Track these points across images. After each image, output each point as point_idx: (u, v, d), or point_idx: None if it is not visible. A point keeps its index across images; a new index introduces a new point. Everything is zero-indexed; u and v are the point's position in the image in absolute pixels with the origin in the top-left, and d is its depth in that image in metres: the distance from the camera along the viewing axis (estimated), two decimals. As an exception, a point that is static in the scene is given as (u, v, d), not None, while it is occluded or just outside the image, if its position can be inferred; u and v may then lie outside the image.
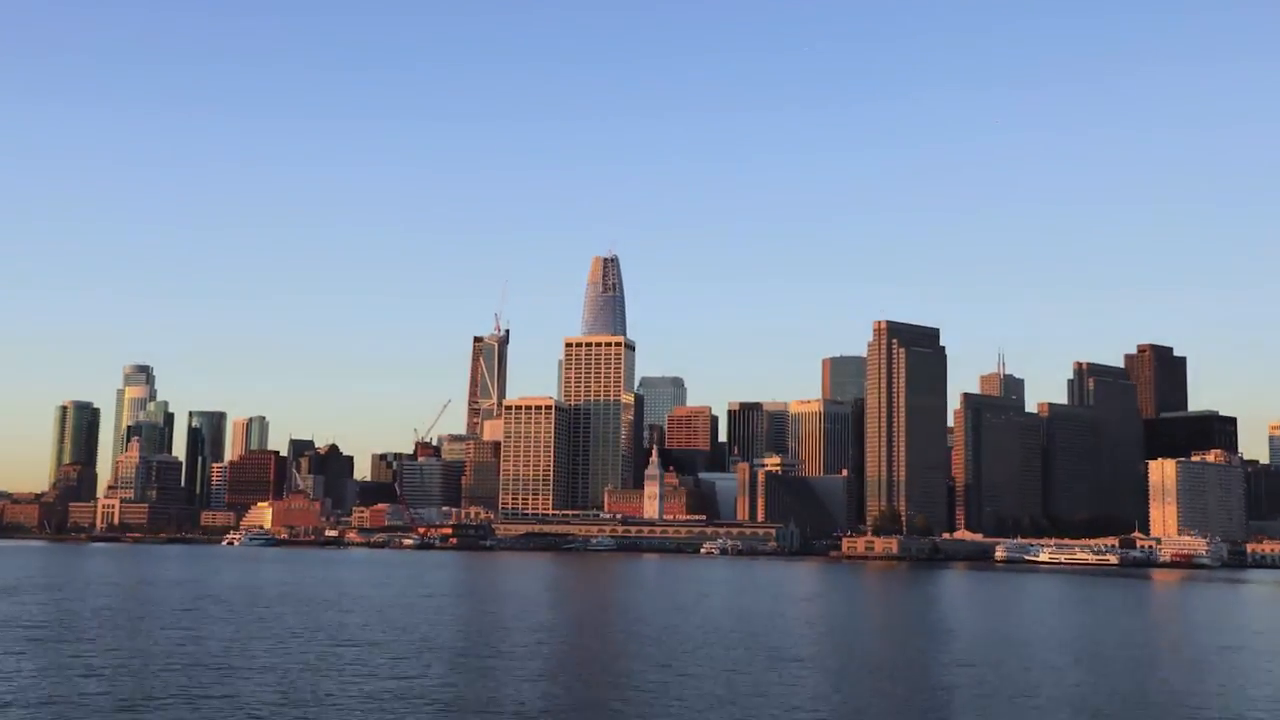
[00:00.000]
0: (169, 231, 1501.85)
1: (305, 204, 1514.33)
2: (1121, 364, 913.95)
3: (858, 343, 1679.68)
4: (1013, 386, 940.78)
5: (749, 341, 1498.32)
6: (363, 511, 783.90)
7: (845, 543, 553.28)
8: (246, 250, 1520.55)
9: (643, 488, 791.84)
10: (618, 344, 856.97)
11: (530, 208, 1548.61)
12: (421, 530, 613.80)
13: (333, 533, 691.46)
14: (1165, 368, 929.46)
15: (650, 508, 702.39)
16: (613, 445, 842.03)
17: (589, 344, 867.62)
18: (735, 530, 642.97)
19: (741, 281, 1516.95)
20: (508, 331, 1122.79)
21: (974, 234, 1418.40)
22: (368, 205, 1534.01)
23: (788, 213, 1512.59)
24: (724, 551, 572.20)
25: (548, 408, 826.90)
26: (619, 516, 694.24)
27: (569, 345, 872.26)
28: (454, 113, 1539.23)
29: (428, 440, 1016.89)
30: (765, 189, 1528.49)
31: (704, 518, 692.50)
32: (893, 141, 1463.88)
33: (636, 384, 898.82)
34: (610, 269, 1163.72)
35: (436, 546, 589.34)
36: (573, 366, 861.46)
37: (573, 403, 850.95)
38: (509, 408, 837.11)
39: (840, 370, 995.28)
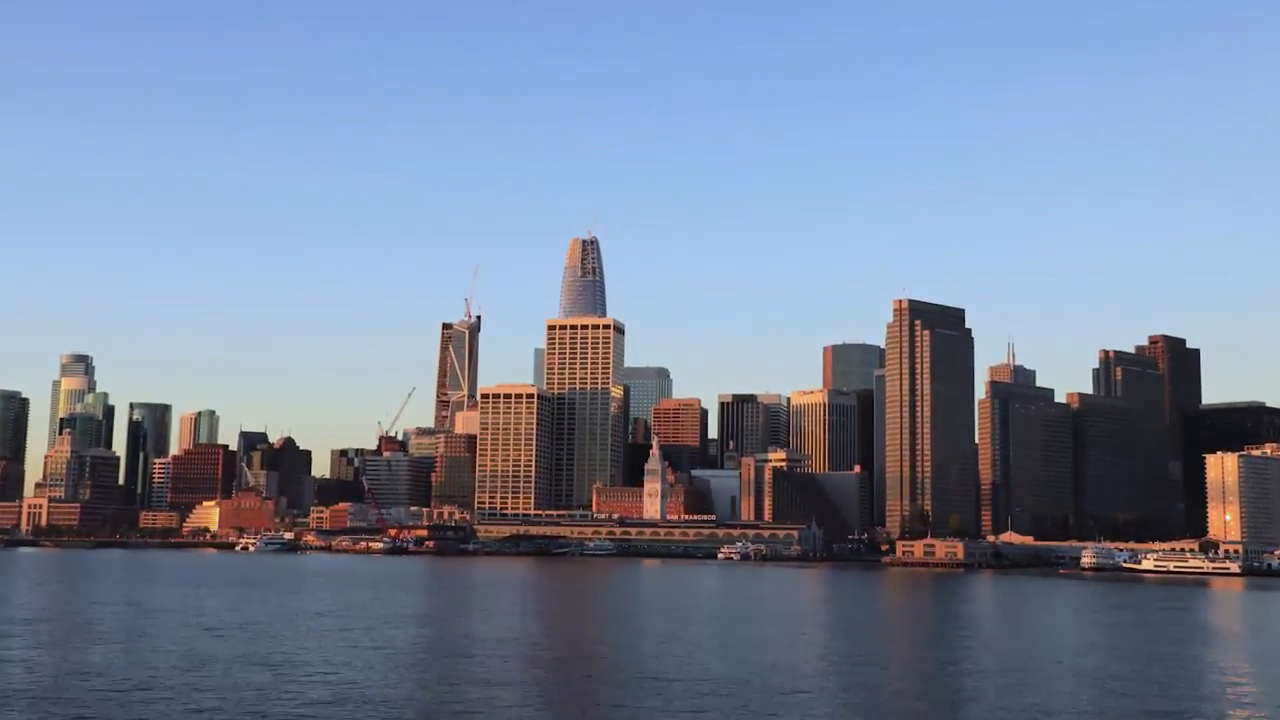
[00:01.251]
0: (113, 217, 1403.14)
1: (258, 185, 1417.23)
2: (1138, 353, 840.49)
3: (861, 329, 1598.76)
4: (1023, 376, 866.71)
5: (740, 329, 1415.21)
6: (322, 511, 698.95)
7: (900, 546, 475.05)
8: (196, 235, 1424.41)
9: (637, 485, 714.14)
10: (605, 326, 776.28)
11: (503, 186, 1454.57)
12: (393, 532, 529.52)
13: (288, 535, 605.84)
14: (1179, 360, 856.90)
15: (651, 507, 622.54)
16: (601, 438, 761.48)
17: (573, 326, 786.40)
18: (752, 532, 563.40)
19: (731, 264, 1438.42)
20: (479, 318, 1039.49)
21: (979, 219, 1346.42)
22: (326, 186, 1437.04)
23: (779, 192, 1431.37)
24: (746, 557, 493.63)
25: (529, 396, 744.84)
26: (615, 517, 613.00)
27: (551, 328, 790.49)
28: (417, 90, 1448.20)
29: (392, 434, 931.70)
30: (758, 165, 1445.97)
31: (712, 518, 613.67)
32: (891, 125, 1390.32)
33: (641, 362, 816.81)
34: (589, 252, 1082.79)
35: (410, 551, 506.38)
36: (555, 351, 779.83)
37: (556, 391, 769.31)
38: (485, 396, 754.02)
39: (844, 358, 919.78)
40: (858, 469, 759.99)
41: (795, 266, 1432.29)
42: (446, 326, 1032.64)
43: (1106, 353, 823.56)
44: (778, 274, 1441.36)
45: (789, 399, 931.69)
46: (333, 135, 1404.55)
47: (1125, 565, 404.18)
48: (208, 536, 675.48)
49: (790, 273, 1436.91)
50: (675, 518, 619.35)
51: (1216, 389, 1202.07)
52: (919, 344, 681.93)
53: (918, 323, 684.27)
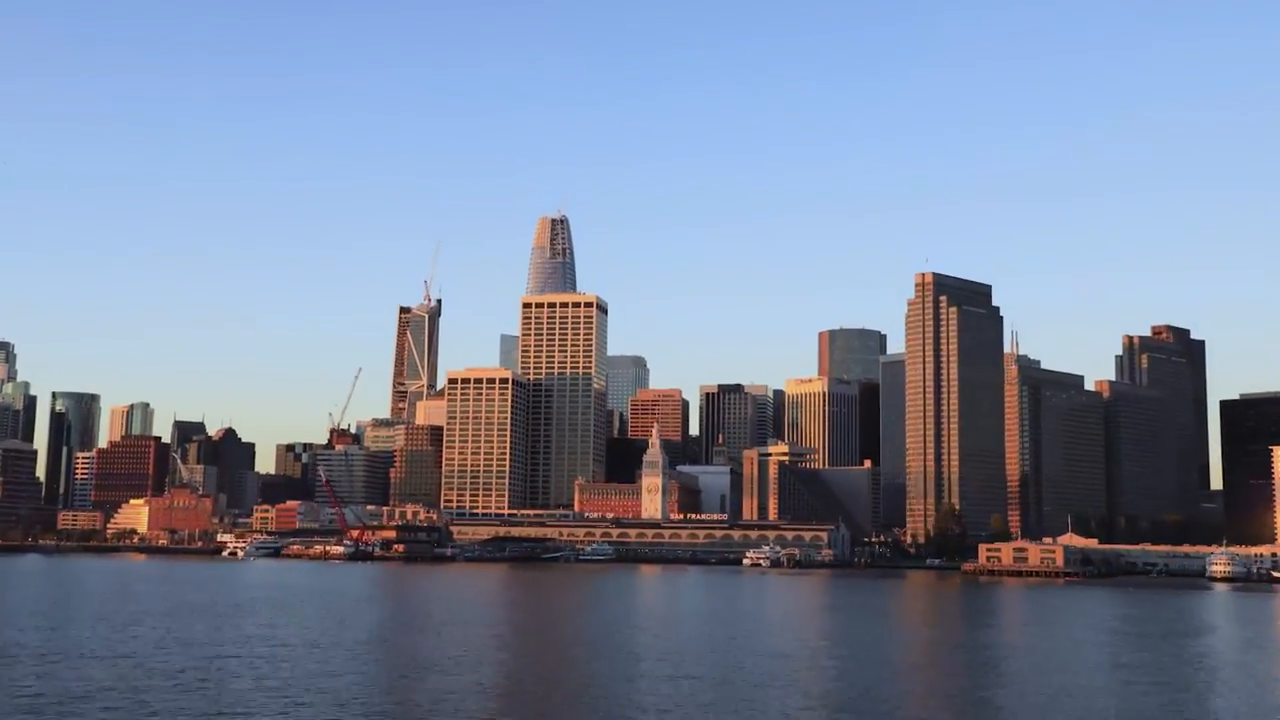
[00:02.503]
0: (37, 194, 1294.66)
1: (198, 155, 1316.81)
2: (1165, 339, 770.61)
3: (858, 314, 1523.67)
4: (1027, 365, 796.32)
5: (723, 315, 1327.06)
6: (266, 510, 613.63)
7: (983, 550, 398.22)
8: (128, 210, 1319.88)
9: (623, 481, 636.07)
10: (586, 305, 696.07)
11: (466, 159, 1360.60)
12: (355, 534, 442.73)
13: (226, 537, 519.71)
14: (1184, 351, 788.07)
15: (650, 506, 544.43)
16: (582, 430, 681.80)
17: (550, 305, 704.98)
18: (772, 533, 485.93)
19: (712, 245, 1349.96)
20: (439, 302, 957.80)
21: (987, 196, 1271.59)
22: (273, 158, 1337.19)
23: (763, 167, 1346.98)
24: (776, 563, 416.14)
25: (502, 382, 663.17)
26: (610, 518, 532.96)
27: (526, 306, 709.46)
28: (374, 66, 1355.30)
29: (344, 427, 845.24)
30: (741, 140, 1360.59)
31: (723, 518, 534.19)
32: (884, 101, 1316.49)
33: (618, 350, 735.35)
34: (559, 231, 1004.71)
35: (375, 556, 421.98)
36: (531, 333, 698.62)
37: (532, 377, 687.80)
38: (454, 382, 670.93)
39: (843, 345, 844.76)
40: (867, 464, 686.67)
41: (784, 248, 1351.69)
42: (404, 310, 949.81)
43: (1130, 338, 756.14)
44: (764, 256, 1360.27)
45: (773, 391, 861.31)
46: (278, 111, 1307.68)
47: (1273, 574, 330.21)
48: (135, 539, 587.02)
49: (778, 255, 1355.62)
50: (683, 517, 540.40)
51: (1221, 383, 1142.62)
52: (945, 323, 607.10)
53: (943, 299, 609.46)
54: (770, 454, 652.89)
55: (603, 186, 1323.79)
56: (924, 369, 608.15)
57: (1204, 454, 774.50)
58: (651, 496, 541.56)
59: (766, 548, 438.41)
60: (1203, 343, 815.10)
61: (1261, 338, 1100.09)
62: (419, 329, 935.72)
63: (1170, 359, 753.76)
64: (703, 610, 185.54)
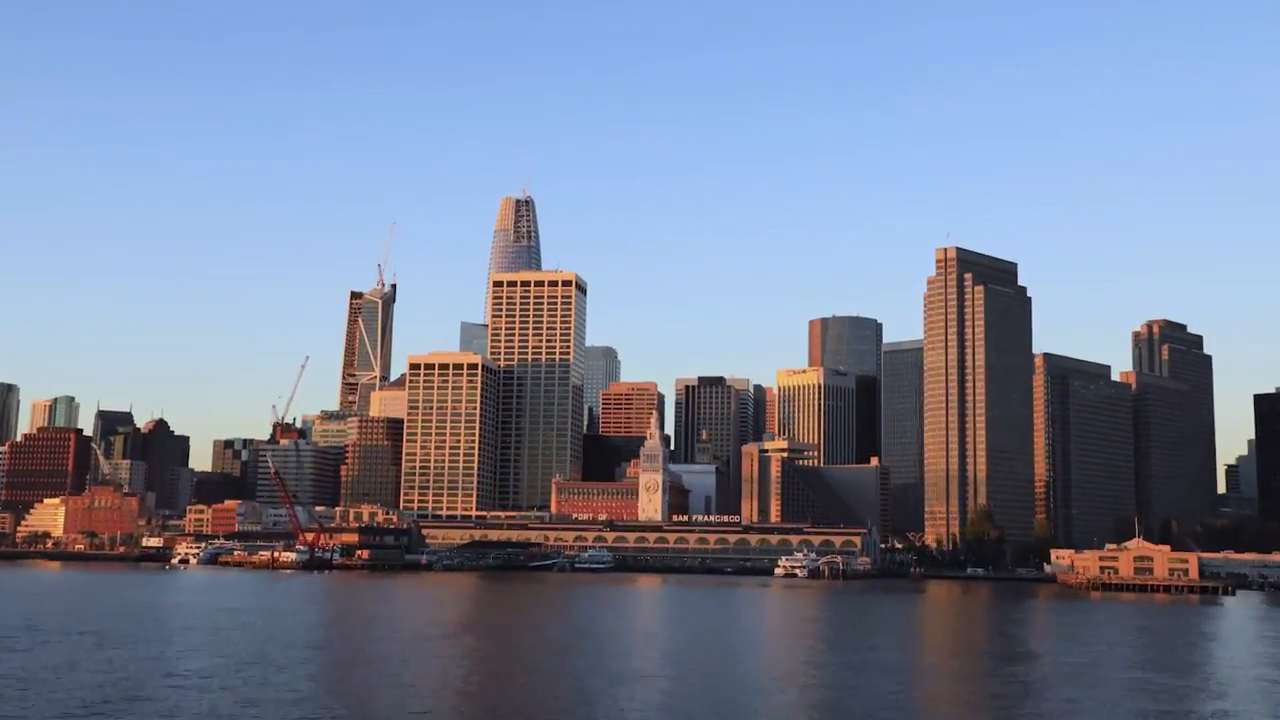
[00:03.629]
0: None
1: (128, 127, 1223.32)
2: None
3: (850, 301, 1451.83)
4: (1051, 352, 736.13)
5: (701, 304, 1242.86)
6: (201, 511, 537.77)
7: (1097, 559, 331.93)
8: (52, 185, 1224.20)
9: (602, 480, 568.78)
10: (564, 283, 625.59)
11: (423, 134, 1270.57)
12: (309, 538, 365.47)
13: (154, 541, 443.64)
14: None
15: (649, 506, 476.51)
16: (559, 423, 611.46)
17: (524, 283, 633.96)
18: (795, 537, 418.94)
19: (688, 229, 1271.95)
20: (394, 287, 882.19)
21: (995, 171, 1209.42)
22: (211, 131, 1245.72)
23: (742, 144, 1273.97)
24: (815, 573, 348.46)
25: (471, 368, 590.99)
26: (603, 520, 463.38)
27: (498, 285, 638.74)
28: (321, 26, 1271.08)
29: (289, 421, 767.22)
30: (718, 115, 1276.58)
31: (735, 520, 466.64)
32: (865, 76, 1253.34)
33: (586, 340, 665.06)
34: (524, 213, 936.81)
35: (334, 564, 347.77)
36: (503, 315, 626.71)
37: (503, 364, 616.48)
38: (415, 368, 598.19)
39: (836, 334, 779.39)
40: (874, 461, 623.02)
41: (766, 231, 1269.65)
42: (355, 296, 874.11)
43: (1150, 325, 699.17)
44: (744, 240, 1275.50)
45: (755, 384, 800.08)
46: (219, 84, 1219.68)
47: None
48: (49, 544, 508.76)
49: (760, 238, 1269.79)
50: (683, 519, 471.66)
51: (1227, 381, 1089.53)
52: (970, 303, 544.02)
53: (968, 276, 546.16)
54: (769, 451, 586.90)
55: (571, 165, 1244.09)
56: (946, 354, 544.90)
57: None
58: (650, 496, 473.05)
59: (800, 554, 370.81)
60: (1200, 338, 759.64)
61: (1262, 336, 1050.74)
62: (371, 316, 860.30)
63: (1190, 350, 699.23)
64: (831, 657, 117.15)
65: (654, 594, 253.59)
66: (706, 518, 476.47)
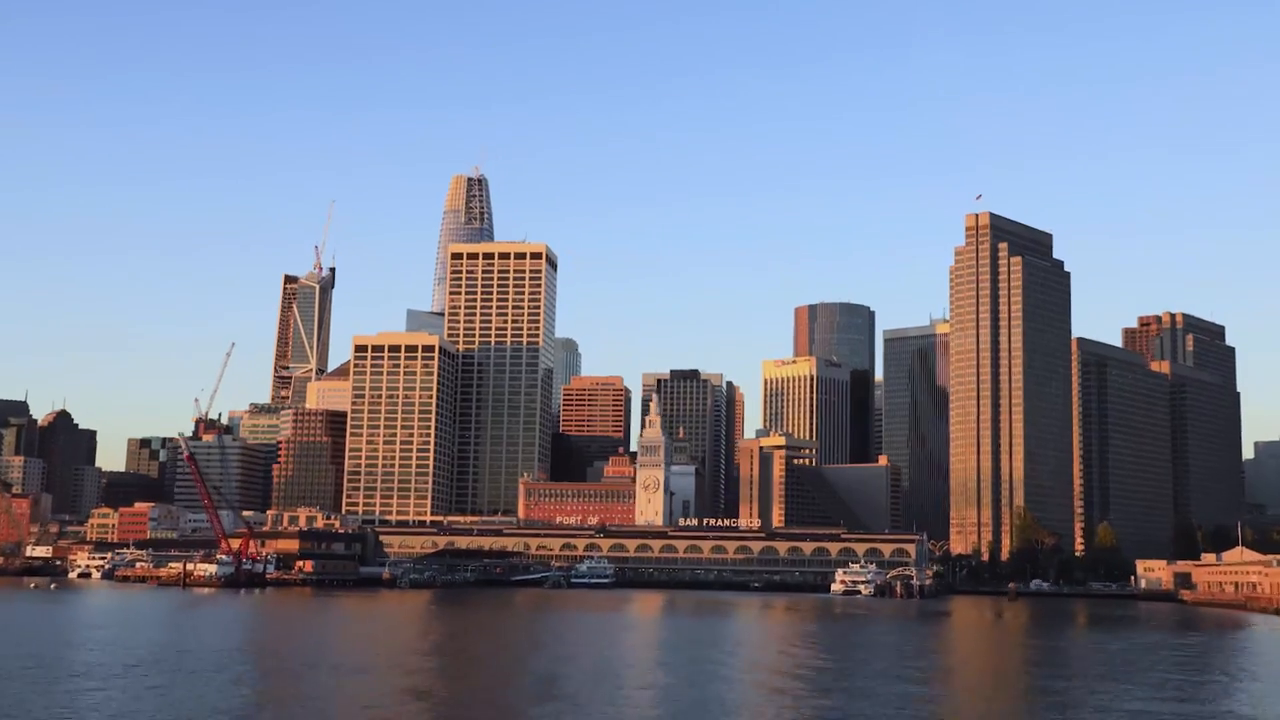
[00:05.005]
0: None
1: (44, 95, 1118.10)
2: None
3: (835, 288, 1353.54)
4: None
5: (668, 293, 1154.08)
6: (106, 515, 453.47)
7: (1221, 571, 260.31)
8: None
9: (575, 480, 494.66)
10: (534, 256, 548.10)
11: (366, 104, 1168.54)
12: (234, 546, 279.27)
13: (41, 551, 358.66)
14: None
15: (649, 509, 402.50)
16: (526, 416, 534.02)
17: (488, 256, 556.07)
18: (832, 545, 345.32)
19: (654, 211, 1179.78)
20: (333, 270, 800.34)
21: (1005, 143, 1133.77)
22: (133, 104, 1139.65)
23: (713, 118, 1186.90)
24: (883, 591, 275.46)
25: (427, 351, 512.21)
26: (595, 525, 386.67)
27: (456, 258, 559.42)
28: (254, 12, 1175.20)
29: (213, 416, 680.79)
30: (689, 83, 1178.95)
31: (755, 527, 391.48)
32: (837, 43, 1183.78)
33: (556, 325, 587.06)
34: (476, 192, 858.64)
35: (267, 579, 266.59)
36: (462, 291, 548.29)
37: (461, 348, 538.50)
38: (361, 350, 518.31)
39: (826, 323, 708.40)
40: (882, 460, 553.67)
41: (742, 212, 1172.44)
42: (290, 280, 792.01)
43: (1172, 315, 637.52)
44: (717, 222, 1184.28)
45: (728, 380, 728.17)
46: (146, 49, 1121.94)
47: None
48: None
49: (735, 219, 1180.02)
50: (691, 523, 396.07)
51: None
52: (1006, 277, 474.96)
53: (1002, 246, 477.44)
54: (770, 449, 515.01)
55: (527, 141, 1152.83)
56: (977, 336, 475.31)
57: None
58: (649, 496, 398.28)
59: (857, 566, 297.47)
60: (1222, 329, 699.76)
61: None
62: (308, 302, 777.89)
63: (1214, 342, 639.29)
64: None
65: (710, 624, 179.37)
66: (718, 522, 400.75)
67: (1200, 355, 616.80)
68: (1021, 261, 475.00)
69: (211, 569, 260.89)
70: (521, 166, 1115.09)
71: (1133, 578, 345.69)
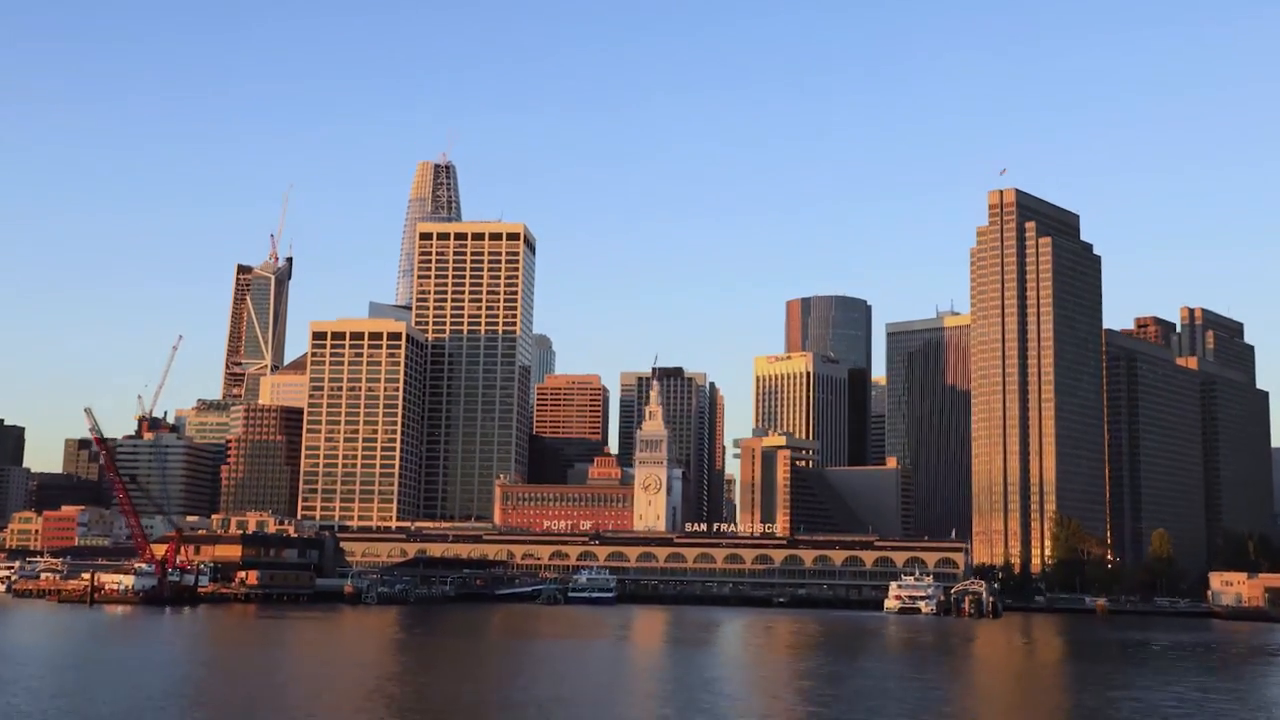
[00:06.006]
0: None
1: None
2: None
3: (829, 281, 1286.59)
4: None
5: (648, 287, 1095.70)
6: (29, 520, 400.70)
7: None
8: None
9: (553, 483, 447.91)
10: (511, 237, 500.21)
11: (326, 86, 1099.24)
12: (158, 553, 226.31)
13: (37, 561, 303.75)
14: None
15: (649, 513, 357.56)
16: (502, 413, 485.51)
17: (460, 237, 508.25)
18: (868, 553, 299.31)
19: (631, 203, 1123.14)
20: (290, 261, 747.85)
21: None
22: (79, 84, 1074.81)
23: (691, 99, 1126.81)
24: (951, 609, 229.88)
25: (393, 339, 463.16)
26: (588, 532, 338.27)
27: (425, 238, 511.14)
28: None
29: (158, 414, 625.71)
30: (668, 62, 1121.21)
31: (773, 531, 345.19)
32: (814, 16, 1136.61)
33: (535, 317, 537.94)
34: (444, 180, 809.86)
35: (201, 594, 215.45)
36: (430, 275, 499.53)
37: (431, 337, 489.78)
38: (320, 338, 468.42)
39: (820, 317, 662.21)
40: (892, 463, 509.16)
41: (727, 204, 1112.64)
42: (244, 271, 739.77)
43: (1190, 310, 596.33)
44: (698, 214, 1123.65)
45: (710, 380, 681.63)
46: (87, 30, 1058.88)
47: None
48: None
49: (718, 211, 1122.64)
50: (699, 528, 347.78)
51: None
52: (1034, 259, 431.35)
53: (1029, 226, 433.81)
54: (774, 449, 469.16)
55: (498, 127, 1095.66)
56: (1003, 325, 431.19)
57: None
58: (650, 498, 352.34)
59: (912, 579, 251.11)
60: (1241, 326, 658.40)
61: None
62: (262, 294, 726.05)
63: (1233, 339, 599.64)
64: None
65: (767, 661, 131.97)
66: (727, 528, 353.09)
67: (1221, 353, 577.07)
68: (1051, 242, 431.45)
69: (127, 581, 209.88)
70: (492, 154, 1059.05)
71: (1208, 592, 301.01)
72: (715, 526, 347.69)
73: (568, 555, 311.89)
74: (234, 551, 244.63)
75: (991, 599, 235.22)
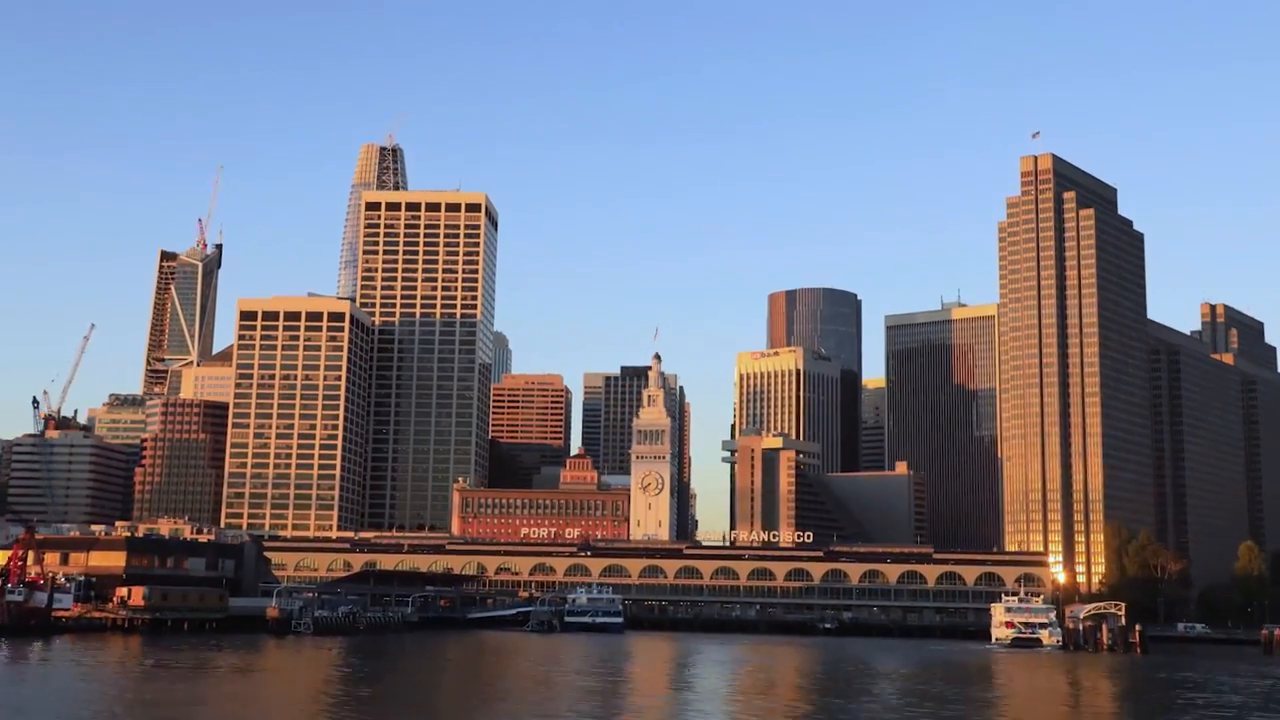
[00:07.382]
0: None
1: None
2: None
3: (815, 272, 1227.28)
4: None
5: (613, 280, 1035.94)
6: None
7: None
8: None
9: (519, 487, 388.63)
10: (471, 208, 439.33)
11: (261, 59, 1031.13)
12: (22, 570, 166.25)
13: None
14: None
15: (649, 519, 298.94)
16: (459, 408, 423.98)
17: (411, 206, 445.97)
18: (928, 567, 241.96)
19: (594, 188, 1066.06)
20: (219, 248, 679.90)
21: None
22: None
23: (662, 78, 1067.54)
24: (1087, 643, 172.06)
25: (334, 319, 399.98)
26: (576, 541, 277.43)
27: (372, 208, 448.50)
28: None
29: (66, 413, 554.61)
30: (637, 37, 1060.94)
31: (807, 540, 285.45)
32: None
33: (496, 298, 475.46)
34: (389, 164, 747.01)
35: (56, 619, 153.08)
36: (379, 250, 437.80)
37: (378, 320, 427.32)
38: (249, 318, 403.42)
39: (808, 311, 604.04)
40: (902, 468, 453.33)
41: (699, 184, 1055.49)
42: (168, 257, 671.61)
43: (1212, 306, 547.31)
44: (672, 195, 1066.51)
45: (680, 383, 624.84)
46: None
47: None
48: None
49: (691, 194, 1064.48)
50: (744, 539, 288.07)
51: None
52: (1075, 235, 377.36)
53: (1068, 197, 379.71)
54: (776, 450, 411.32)
55: (448, 106, 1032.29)
56: (1040, 309, 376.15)
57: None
58: (651, 500, 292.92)
59: (1014, 600, 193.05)
60: (1261, 326, 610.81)
61: None
62: (188, 284, 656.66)
63: (1256, 340, 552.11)
64: None
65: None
66: (750, 537, 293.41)
67: (1245, 354, 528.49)
68: (1094, 214, 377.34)
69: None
70: (442, 135, 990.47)
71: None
72: (732, 536, 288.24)
73: (553, 569, 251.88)
74: (116, 560, 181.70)
75: (1138, 628, 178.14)
